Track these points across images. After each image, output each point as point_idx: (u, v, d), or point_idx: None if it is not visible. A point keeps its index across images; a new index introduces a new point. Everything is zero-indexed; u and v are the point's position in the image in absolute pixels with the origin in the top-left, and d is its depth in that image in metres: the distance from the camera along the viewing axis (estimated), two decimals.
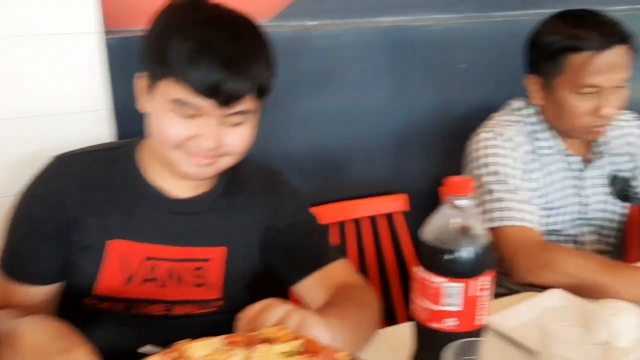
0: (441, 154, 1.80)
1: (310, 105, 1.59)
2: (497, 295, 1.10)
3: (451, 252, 0.79)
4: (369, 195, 1.65)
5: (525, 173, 1.31)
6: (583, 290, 1.11)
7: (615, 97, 1.25)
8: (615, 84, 1.23)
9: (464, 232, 0.81)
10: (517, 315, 1.04)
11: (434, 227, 0.83)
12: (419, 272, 0.83)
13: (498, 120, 1.38)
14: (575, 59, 1.21)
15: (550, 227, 1.39)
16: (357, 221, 1.60)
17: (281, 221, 1.09)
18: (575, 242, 1.41)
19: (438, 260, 0.80)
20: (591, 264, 1.13)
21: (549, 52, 1.26)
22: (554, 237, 1.40)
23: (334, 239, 1.54)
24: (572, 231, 1.40)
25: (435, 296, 0.81)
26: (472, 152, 1.36)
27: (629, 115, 1.46)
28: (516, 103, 1.40)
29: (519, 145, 1.32)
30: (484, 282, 0.81)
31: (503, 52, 1.76)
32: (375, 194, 1.67)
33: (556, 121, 1.32)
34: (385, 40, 1.62)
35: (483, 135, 1.34)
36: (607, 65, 1.21)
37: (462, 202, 0.81)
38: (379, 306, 1.02)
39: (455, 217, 0.81)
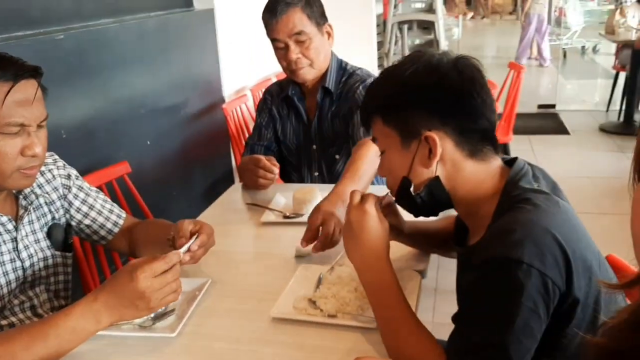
0: None
1: None
2: None
3: None
4: None
5: None
6: None
7: (42, 135, 1.16)
8: (38, 120, 1.14)
9: None
10: None
11: None
12: None
13: None
14: None
15: None
16: None
17: None
18: (30, 308, 1.27)
19: None
20: None
21: None
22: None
23: None
24: (20, 299, 1.24)
25: None
26: None
27: (50, 159, 1.37)
28: None
29: None
30: None
31: None
32: None
33: None
34: None
35: None
36: (25, 100, 1.11)
37: None
38: None
39: None
